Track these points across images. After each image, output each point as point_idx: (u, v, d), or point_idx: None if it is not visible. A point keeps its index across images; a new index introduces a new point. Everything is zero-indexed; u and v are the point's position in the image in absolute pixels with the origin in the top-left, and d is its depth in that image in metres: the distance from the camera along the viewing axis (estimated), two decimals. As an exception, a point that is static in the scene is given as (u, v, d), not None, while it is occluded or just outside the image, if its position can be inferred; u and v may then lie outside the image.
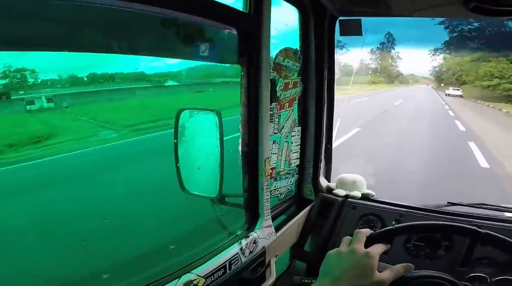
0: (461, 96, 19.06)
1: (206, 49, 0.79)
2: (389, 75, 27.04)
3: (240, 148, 0.92)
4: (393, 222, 1.24)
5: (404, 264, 0.73)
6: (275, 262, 1.09)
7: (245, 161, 0.94)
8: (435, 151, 6.31)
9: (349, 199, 1.34)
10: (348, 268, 0.67)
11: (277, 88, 1.03)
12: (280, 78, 1.04)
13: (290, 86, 1.09)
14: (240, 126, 0.89)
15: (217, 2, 0.76)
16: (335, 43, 1.30)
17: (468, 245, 1.09)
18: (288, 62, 1.06)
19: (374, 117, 9.65)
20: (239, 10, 0.84)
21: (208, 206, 1.12)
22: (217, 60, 0.90)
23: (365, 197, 1.37)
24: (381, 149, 6.25)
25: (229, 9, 0.80)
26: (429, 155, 5.93)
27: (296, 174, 1.29)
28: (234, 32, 0.84)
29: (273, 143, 1.07)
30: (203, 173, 1.13)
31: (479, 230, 0.84)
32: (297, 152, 1.24)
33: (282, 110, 1.07)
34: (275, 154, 1.10)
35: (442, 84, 23.04)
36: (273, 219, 1.16)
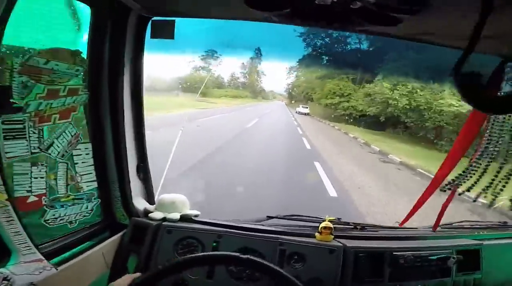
0: (307, 114, 19.95)
1: None
2: (253, 91, 29.36)
3: None
4: (213, 244, 1.18)
5: None
6: None
7: None
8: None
9: (164, 222, 1.21)
10: None
11: (32, 96, 0.80)
12: (38, 83, 0.82)
13: (62, 93, 0.88)
14: None
15: None
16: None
17: (277, 264, 1.11)
18: (56, 65, 0.85)
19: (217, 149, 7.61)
20: None
21: None
22: None
23: (185, 218, 1.27)
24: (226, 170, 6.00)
25: None
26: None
27: (95, 198, 1.08)
28: None
29: (33, 166, 0.84)
30: None
31: (240, 256, 0.82)
32: (90, 173, 1.04)
33: (44, 124, 0.85)
34: (40, 178, 0.87)
35: (293, 101, 24.75)
36: (63, 250, 1.01)
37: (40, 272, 0.87)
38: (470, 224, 1.48)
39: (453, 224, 1.46)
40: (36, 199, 0.88)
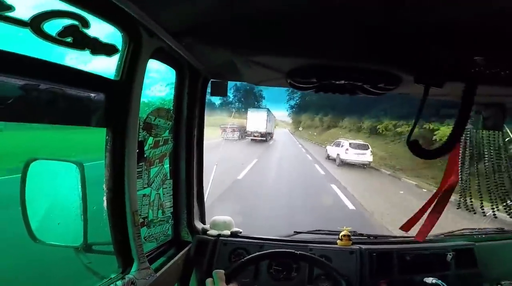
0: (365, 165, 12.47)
1: (73, 113, 0.85)
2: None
3: (105, 204, 1.00)
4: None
5: None
6: None
7: (112, 214, 1.01)
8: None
9: (220, 238, 1.55)
10: None
11: (147, 146, 1.17)
12: (150, 137, 1.18)
13: (161, 143, 1.26)
14: (104, 185, 0.98)
15: (86, 71, 0.84)
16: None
17: (308, 266, 1.44)
18: (159, 121, 1.21)
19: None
20: (108, 79, 0.93)
21: (71, 255, 1.15)
22: (83, 123, 0.92)
23: (234, 234, 1.61)
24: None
25: (97, 78, 0.89)
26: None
27: (171, 220, 1.43)
28: (102, 97, 0.91)
29: (143, 196, 1.20)
30: (64, 223, 1.17)
31: (295, 252, 1.17)
32: (170, 201, 1.40)
33: (152, 167, 1.22)
34: (146, 205, 1.22)
35: (300, 128, 30.46)
36: (152, 261, 1.28)
37: (149, 277, 1.11)
38: (470, 231, 1.73)
39: (454, 232, 1.74)
40: (142, 220, 1.22)
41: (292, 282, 1.42)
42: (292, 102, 30.51)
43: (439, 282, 1.32)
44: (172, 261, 1.35)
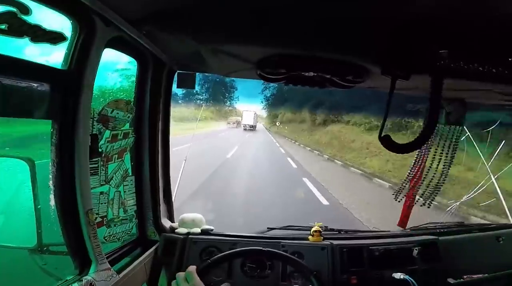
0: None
1: (13, 105, 0.77)
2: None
3: (52, 203, 0.92)
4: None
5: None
6: None
7: (62, 213, 0.94)
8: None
9: (190, 236, 1.49)
10: None
11: (103, 140, 1.09)
12: (107, 130, 1.10)
13: (120, 137, 1.18)
14: (50, 183, 0.90)
15: (27, 61, 0.76)
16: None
17: (281, 264, 1.42)
18: (117, 113, 1.13)
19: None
20: (54, 68, 0.85)
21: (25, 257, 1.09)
22: (25, 115, 0.84)
23: (205, 232, 1.55)
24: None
25: (41, 67, 0.82)
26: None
27: (135, 219, 1.36)
28: (47, 87, 0.84)
29: (101, 194, 1.12)
30: (15, 224, 1.13)
31: (263, 249, 1.13)
32: (133, 198, 1.32)
33: (110, 163, 1.14)
34: (105, 203, 1.14)
35: (278, 123, 26.86)
36: (116, 261, 1.21)
37: (110, 279, 1.06)
38: (434, 225, 1.80)
39: (419, 226, 1.79)
40: (100, 219, 1.14)
41: (266, 279, 1.40)
42: (268, 93, 27.32)
43: (407, 277, 1.34)
44: (137, 261, 1.29)
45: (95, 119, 1.04)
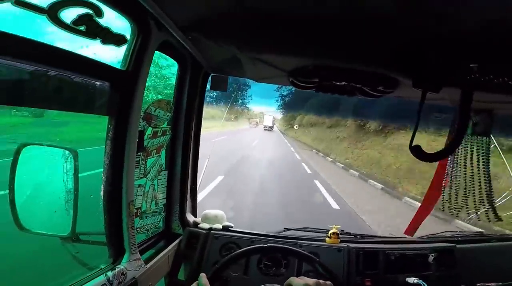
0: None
1: (79, 101, 0.85)
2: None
3: (102, 192, 0.99)
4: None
5: None
6: None
7: (107, 203, 1.01)
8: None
9: (212, 231, 1.55)
10: None
11: (145, 136, 1.16)
12: (150, 127, 1.18)
13: (159, 134, 1.26)
14: (103, 173, 0.98)
15: (93, 60, 0.83)
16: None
17: (297, 262, 1.47)
18: (159, 112, 1.21)
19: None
20: (115, 68, 0.93)
21: (57, 245, 1.12)
22: (88, 111, 0.92)
23: (225, 228, 1.62)
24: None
25: (105, 67, 0.88)
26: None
27: (164, 212, 1.43)
28: (108, 85, 0.91)
29: (139, 187, 1.19)
30: (52, 212, 1.13)
31: (264, 246, 1.19)
32: (164, 192, 1.39)
33: (149, 157, 1.22)
34: (141, 195, 1.22)
35: (296, 126, 25.18)
36: (142, 252, 1.26)
37: (139, 268, 1.11)
38: (451, 234, 1.78)
39: (437, 234, 1.79)
40: (136, 211, 1.21)
41: (281, 277, 1.43)
42: (284, 91, 27.78)
43: (421, 282, 1.36)
44: (162, 253, 1.35)
45: (141, 117, 1.11)
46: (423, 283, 1.36)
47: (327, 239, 1.57)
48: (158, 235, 1.48)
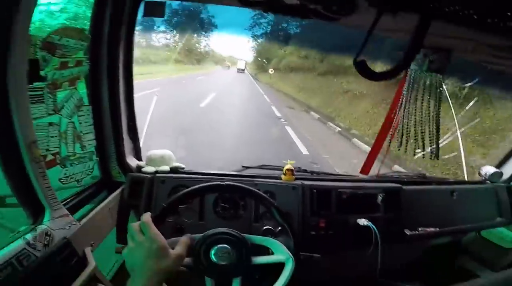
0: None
1: None
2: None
3: None
4: None
5: (185, 235, 0.89)
6: (91, 251, 1.04)
7: (0, 150, 0.79)
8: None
9: (157, 175, 1.39)
10: (146, 258, 0.73)
11: (49, 67, 0.91)
12: (54, 57, 0.93)
13: (71, 65, 0.99)
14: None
15: None
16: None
17: (254, 204, 1.39)
18: (67, 41, 0.95)
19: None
20: None
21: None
22: None
23: (174, 170, 1.46)
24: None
25: None
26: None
27: (95, 157, 1.22)
28: None
29: (50, 125, 0.96)
30: None
31: (221, 183, 1.07)
32: (91, 132, 1.16)
33: (59, 90, 0.96)
34: (56, 136, 0.99)
35: (271, 70, 20.67)
36: (76, 207, 1.12)
37: (69, 226, 0.96)
38: (398, 174, 1.87)
39: (386, 174, 1.86)
40: (53, 157, 0.98)
41: (239, 220, 1.38)
42: (258, 31, 26.06)
43: (370, 224, 1.40)
44: (101, 205, 1.19)
45: (38, 46, 0.86)
46: (373, 226, 1.40)
47: (282, 176, 1.51)
48: (96, 185, 1.30)
